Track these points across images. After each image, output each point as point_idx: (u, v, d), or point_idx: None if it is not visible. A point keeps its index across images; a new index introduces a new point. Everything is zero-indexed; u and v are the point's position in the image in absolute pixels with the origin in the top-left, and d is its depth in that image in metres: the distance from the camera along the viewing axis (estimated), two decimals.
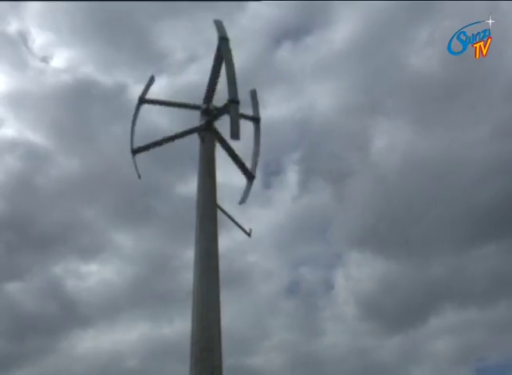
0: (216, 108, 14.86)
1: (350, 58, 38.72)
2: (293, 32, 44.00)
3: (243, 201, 15.30)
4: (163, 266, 34.94)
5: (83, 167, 37.65)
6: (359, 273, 39.93)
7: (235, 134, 12.78)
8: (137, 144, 15.98)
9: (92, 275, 39.15)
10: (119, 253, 38.31)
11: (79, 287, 38.04)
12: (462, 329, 38.00)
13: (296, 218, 38.80)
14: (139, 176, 15.78)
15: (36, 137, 41.74)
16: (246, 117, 16.19)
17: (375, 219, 36.54)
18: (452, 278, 36.86)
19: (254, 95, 16.74)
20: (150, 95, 16.84)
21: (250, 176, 15.42)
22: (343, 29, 40.28)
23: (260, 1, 35.44)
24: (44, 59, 44.66)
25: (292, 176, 37.13)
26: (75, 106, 38.77)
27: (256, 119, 16.32)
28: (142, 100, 16.58)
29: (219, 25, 14.36)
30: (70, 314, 36.89)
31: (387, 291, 37.85)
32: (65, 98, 39.02)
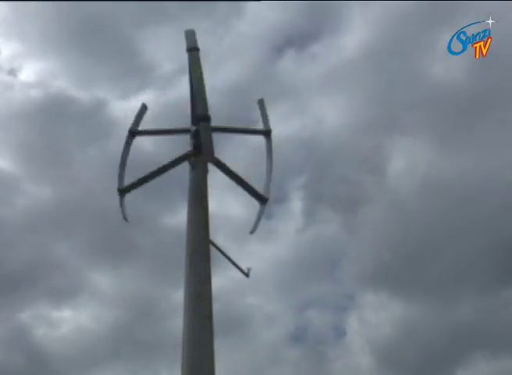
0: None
1: (362, 67, 37.21)
2: (297, 39, 41.88)
3: (254, 229, 14.76)
4: (148, 311, 32.52)
5: (55, 196, 35.63)
6: (375, 317, 37.58)
7: (210, 156, 13.19)
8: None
9: (65, 322, 36.40)
10: (96, 296, 35.77)
11: (49, 337, 35.26)
12: None
13: (301, 253, 36.63)
14: (126, 220, 14.72)
15: (1, 162, 38.72)
16: (254, 132, 15.97)
17: (391, 254, 34.71)
18: (482, 322, 34.38)
19: (261, 105, 16.25)
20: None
21: (262, 199, 14.85)
22: (354, 34, 38.63)
23: (260, 3, 34.87)
24: (12, 72, 42.38)
25: (296, 204, 35.73)
26: (46, 126, 37.04)
27: (267, 132, 15.76)
28: (134, 133, 15.74)
29: (190, 35, 14.63)
30: (39, 368, 33.46)
31: (407, 337, 35.42)
32: (35, 117, 37.27)
